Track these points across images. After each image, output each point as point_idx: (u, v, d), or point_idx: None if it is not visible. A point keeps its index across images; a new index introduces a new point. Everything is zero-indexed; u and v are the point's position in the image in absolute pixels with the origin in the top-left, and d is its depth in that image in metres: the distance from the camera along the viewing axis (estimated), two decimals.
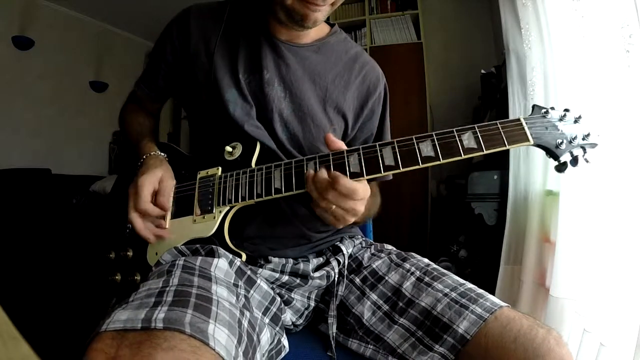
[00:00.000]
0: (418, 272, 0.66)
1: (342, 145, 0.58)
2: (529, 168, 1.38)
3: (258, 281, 0.61)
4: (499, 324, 0.53)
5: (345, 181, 0.53)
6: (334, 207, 0.54)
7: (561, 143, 0.53)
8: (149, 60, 0.80)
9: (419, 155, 0.54)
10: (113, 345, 0.37)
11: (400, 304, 0.63)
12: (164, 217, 0.65)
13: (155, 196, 0.64)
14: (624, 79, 0.94)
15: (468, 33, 2.70)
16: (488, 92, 2.03)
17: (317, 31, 0.75)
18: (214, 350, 0.39)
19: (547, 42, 1.31)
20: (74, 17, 3.51)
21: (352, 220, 0.57)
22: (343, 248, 0.73)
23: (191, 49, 0.72)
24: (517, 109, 1.51)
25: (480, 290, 0.61)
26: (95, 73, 3.65)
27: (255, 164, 0.65)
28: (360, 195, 0.54)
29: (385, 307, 0.64)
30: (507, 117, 1.47)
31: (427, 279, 0.64)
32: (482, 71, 2.09)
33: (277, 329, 0.60)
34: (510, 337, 0.51)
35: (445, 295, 0.60)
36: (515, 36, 1.55)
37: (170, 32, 0.74)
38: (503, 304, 0.57)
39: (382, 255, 0.73)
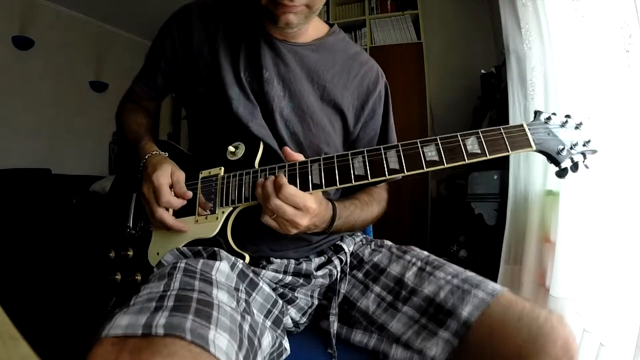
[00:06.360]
0: (419, 262, 0.67)
1: (299, 157, 0.60)
2: (529, 168, 1.38)
3: (260, 283, 0.61)
4: (501, 306, 0.54)
5: (290, 189, 0.55)
6: (276, 215, 0.56)
7: (562, 149, 0.54)
8: (147, 57, 0.79)
9: (423, 159, 0.55)
10: (113, 351, 0.37)
11: (404, 293, 0.64)
12: None
13: (173, 189, 0.65)
14: (624, 79, 0.94)
15: (468, 33, 2.70)
16: (488, 92, 2.03)
17: (315, 31, 0.75)
18: (214, 356, 0.38)
19: (547, 42, 1.31)
20: (74, 17, 3.52)
21: (293, 231, 0.58)
22: (344, 246, 0.73)
23: (194, 45, 0.72)
24: (517, 109, 1.50)
25: (481, 277, 0.62)
26: (95, 73, 3.65)
27: (259, 165, 0.65)
28: (301, 205, 0.55)
29: (389, 298, 0.65)
30: (507, 117, 1.50)
31: (428, 268, 0.65)
32: (482, 71, 2.09)
33: (279, 331, 0.59)
34: (514, 317, 0.52)
35: (448, 282, 0.61)
36: (515, 36, 1.55)
37: (170, 28, 0.73)
38: (504, 288, 0.58)
39: (383, 249, 0.74)
